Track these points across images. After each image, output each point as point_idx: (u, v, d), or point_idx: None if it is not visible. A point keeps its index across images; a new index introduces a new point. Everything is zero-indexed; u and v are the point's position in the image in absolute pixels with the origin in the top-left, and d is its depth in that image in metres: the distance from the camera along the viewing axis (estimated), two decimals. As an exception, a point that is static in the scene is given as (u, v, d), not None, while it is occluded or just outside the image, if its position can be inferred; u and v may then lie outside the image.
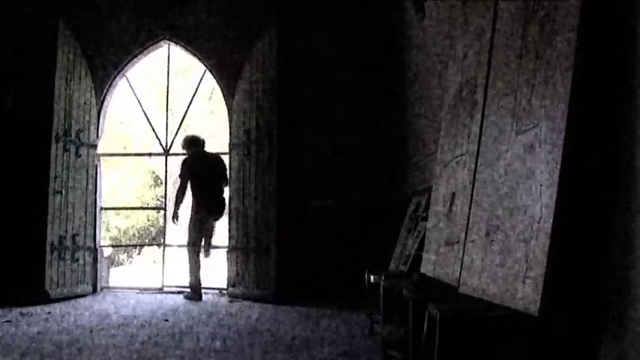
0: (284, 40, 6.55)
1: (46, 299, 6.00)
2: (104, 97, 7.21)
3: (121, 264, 16.26)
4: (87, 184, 6.89)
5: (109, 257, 8.86)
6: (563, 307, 1.91)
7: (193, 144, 6.52)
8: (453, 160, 3.37)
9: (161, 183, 16.09)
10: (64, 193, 6.45)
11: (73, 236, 6.60)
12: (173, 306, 5.91)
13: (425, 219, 4.12)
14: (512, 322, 2.03)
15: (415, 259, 4.10)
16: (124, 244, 16.54)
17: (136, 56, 7.25)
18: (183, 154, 6.83)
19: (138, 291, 7.27)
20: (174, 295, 6.78)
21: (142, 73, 11.19)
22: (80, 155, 6.77)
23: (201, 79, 7.58)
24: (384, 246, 5.35)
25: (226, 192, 6.61)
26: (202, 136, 6.72)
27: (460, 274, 2.76)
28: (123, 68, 7.25)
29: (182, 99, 10.28)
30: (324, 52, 6.97)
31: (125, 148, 15.87)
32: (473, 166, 2.89)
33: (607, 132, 1.91)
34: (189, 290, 6.53)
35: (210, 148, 6.98)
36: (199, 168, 6.37)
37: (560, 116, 1.96)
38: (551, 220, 1.89)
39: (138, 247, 17.40)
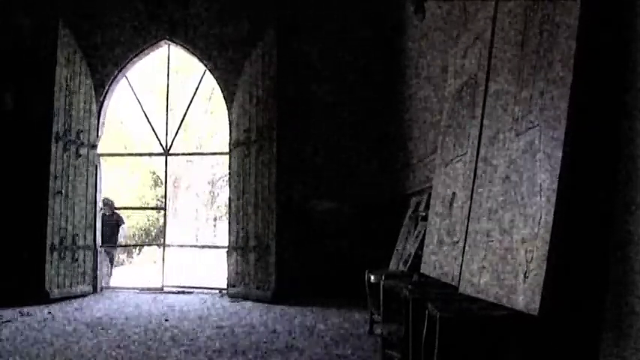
0: (284, 40, 6.55)
1: (46, 299, 6.01)
2: (104, 96, 7.21)
3: (121, 264, 16.24)
4: (87, 184, 6.88)
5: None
6: (563, 307, 1.90)
7: (108, 206, 8.88)
8: (453, 160, 3.37)
9: (161, 183, 16.08)
10: (64, 193, 6.46)
11: (73, 236, 6.60)
12: (173, 306, 5.90)
13: (425, 219, 4.12)
14: (512, 322, 2.03)
15: (415, 259, 4.09)
16: (124, 244, 16.52)
17: (136, 56, 7.26)
18: (183, 154, 6.95)
19: (138, 291, 7.28)
20: (175, 295, 6.78)
21: (142, 73, 11.19)
22: (80, 155, 6.77)
23: (201, 79, 7.58)
24: (384, 246, 5.35)
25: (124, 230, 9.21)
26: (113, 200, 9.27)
27: (460, 274, 2.76)
28: (123, 68, 7.25)
29: (182, 99, 10.29)
30: (324, 51, 6.97)
31: (125, 148, 15.86)
32: (473, 166, 2.89)
33: (607, 132, 1.91)
34: (188, 290, 6.54)
35: (209, 148, 7.07)
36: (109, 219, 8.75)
37: (559, 116, 1.96)
38: (551, 220, 1.89)
39: (138, 247, 17.40)
